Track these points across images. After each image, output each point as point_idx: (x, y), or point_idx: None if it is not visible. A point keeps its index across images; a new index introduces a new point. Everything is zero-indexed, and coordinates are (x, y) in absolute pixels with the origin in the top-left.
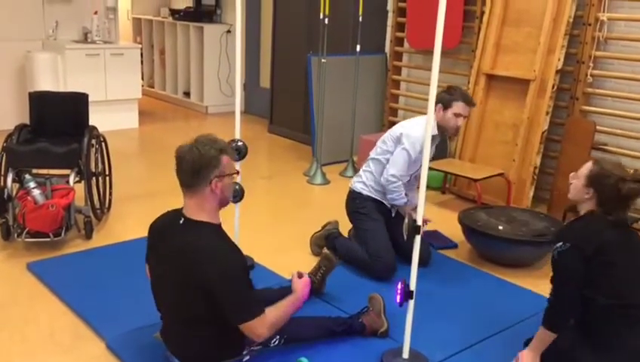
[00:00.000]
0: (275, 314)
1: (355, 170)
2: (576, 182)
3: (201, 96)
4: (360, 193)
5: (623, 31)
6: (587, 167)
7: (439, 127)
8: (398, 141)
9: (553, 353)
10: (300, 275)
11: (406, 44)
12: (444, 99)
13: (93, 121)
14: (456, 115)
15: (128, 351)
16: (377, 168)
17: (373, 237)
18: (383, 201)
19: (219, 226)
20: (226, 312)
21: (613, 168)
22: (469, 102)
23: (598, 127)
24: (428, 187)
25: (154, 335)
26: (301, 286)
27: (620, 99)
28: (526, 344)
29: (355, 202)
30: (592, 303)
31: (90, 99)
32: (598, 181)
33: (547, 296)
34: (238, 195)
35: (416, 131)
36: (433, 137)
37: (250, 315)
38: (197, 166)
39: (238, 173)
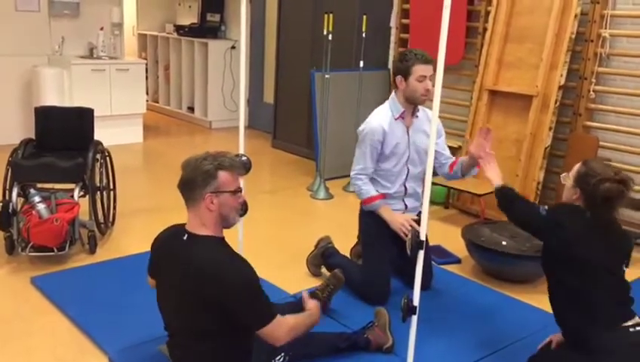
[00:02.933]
0: (295, 320)
1: None
2: (567, 182)
3: (205, 111)
4: (363, 209)
5: (625, 47)
6: (576, 167)
7: (408, 99)
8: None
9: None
10: (311, 296)
11: None
12: (402, 69)
13: (98, 135)
14: (420, 79)
15: None
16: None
17: (367, 265)
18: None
19: (222, 239)
20: (246, 321)
21: (600, 168)
22: (427, 60)
23: (601, 143)
24: (431, 202)
25: (159, 347)
26: (316, 306)
27: (623, 114)
28: (530, 360)
29: (361, 219)
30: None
31: (95, 113)
32: (584, 180)
33: (551, 312)
34: (242, 210)
35: (368, 123)
36: (400, 116)
37: (269, 318)
38: (191, 179)
39: (240, 190)
